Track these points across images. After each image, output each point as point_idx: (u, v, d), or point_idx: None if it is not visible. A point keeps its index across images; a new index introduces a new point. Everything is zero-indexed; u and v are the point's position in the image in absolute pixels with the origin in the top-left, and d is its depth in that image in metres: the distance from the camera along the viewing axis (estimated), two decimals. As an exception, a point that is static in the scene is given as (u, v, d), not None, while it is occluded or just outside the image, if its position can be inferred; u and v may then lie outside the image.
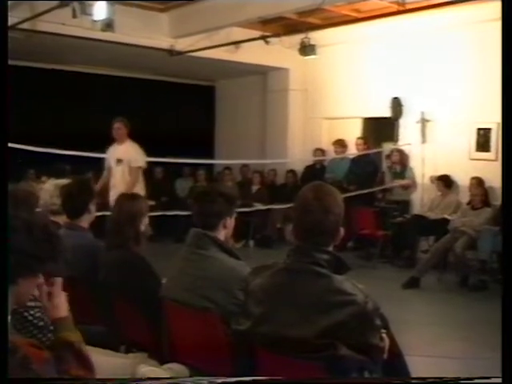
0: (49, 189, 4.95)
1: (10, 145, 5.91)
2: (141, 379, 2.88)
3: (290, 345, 2.59)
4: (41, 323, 2.81)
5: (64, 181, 4.92)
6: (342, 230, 2.80)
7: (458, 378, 2.34)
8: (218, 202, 3.49)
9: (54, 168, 9.30)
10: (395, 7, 9.12)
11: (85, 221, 4.42)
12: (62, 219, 4.61)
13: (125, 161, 8.80)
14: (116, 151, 8.97)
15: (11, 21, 8.54)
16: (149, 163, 10.09)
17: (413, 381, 2.79)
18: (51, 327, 2.84)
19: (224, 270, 3.34)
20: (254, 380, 2.35)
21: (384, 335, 2.77)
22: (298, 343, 2.56)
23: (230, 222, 3.58)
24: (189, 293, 3.32)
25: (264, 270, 2.87)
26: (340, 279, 2.65)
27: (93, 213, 4.48)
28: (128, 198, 4.35)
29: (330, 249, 2.78)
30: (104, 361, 3.04)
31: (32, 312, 2.78)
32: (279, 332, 2.63)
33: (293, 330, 2.59)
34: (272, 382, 2.46)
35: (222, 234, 3.53)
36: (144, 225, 4.12)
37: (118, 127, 8.93)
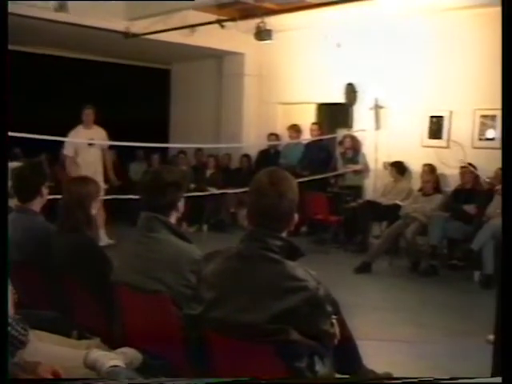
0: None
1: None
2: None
3: (242, 329, 2.60)
4: None
5: (15, 163, 4.85)
6: (296, 216, 2.81)
7: (458, 378, 2.36)
8: (168, 192, 3.47)
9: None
10: (351, -7, 9.14)
11: (36, 204, 4.35)
12: (13, 202, 4.55)
13: (97, 143, 9.78)
14: (85, 134, 9.73)
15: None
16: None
17: (412, 380, 2.83)
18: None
19: (175, 251, 3.34)
20: (252, 380, 2.38)
21: (334, 321, 2.81)
22: (250, 328, 2.57)
23: (181, 204, 3.58)
24: (140, 276, 3.31)
25: (217, 255, 2.88)
26: (292, 265, 2.66)
27: (45, 196, 4.42)
28: (77, 180, 4.31)
29: (284, 235, 2.78)
30: (56, 350, 3.03)
31: None
32: (231, 317, 2.64)
33: (245, 314, 2.60)
34: (271, 382, 2.48)
35: (173, 218, 3.53)
36: (95, 208, 4.08)
37: (88, 113, 9.78)
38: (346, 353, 3.06)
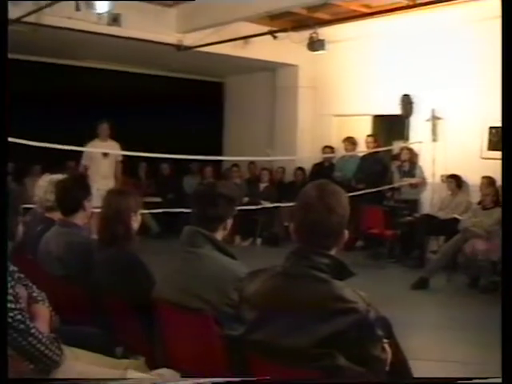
0: (43, 185, 4.81)
1: (16, 140, 5.85)
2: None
3: (285, 353, 2.41)
4: (21, 326, 2.66)
5: (58, 176, 4.76)
6: (346, 233, 2.61)
7: (457, 378, 2.24)
8: (219, 204, 3.33)
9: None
10: (405, 2, 9.00)
11: (79, 218, 4.27)
12: (56, 215, 4.47)
13: (111, 155, 10.22)
14: (101, 147, 10.22)
15: (15, 13, 8.43)
16: (156, 160, 10.50)
17: (413, 381, 2.67)
18: (32, 331, 2.70)
19: (218, 268, 3.19)
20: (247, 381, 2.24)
21: (386, 346, 2.59)
22: (294, 352, 2.39)
23: (230, 222, 3.43)
24: (182, 293, 3.17)
25: (261, 274, 2.68)
26: (340, 285, 2.46)
27: (88, 210, 4.33)
28: (116, 193, 4.17)
29: (333, 252, 2.59)
30: (90, 370, 2.91)
31: (11, 314, 2.63)
32: (274, 340, 2.46)
33: (288, 338, 2.42)
34: (271, 382, 2.33)
35: (219, 235, 3.38)
36: (136, 221, 3.94)
37: (105, 128, 10.24)
38: (398, 375, 2.85)
